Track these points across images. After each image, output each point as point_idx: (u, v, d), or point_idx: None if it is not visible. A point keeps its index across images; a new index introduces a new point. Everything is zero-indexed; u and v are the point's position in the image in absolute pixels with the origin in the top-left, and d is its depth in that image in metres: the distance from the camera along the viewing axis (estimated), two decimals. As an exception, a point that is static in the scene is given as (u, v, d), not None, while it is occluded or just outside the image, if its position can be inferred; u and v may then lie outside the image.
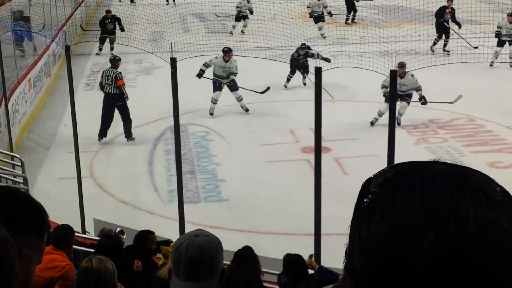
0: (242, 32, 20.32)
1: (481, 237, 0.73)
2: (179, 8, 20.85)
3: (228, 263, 4.87)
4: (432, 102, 12.19)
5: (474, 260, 0.73)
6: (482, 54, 15.40)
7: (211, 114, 12.91)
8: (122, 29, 18.27)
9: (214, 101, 12.90)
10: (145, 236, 6.02)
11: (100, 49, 18.55)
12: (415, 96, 12.06)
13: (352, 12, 22.27)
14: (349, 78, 13.50)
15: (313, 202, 6.31)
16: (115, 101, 11.44)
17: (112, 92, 11.44)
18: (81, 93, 13.81)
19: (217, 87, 12.93)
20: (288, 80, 14.51)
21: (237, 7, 20.27)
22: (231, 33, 20.37)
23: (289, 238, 8.09)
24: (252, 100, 13.74)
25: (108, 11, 18.80)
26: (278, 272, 5.61)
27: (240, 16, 20.19)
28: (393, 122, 5.53)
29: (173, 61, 6.42)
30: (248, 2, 20.15)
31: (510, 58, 16.31)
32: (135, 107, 12.16)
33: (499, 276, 0.74)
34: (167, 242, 5.93)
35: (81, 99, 11.80)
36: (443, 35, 17.73)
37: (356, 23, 22.00)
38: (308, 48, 14.15)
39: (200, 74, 13.02)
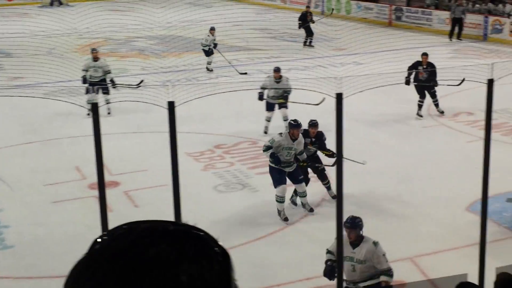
0: (208, 70, 18.65)
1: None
2: None
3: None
4: (297, 102, 12.75)
5: None
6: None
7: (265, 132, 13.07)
8: None
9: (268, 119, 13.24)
10: None
11: None
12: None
13: (309, 37, 22.04)
14: (133, 109, 13.40)
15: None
16: None
17: None
18: None
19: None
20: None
21: (203, 44, 18.58)
22: (208, 69, 18.64)
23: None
24: (32, 139, 13.10)
25: None
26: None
27: (209, 51, 18.64)
28: (175, 149, 5.51)
29: None
30: (213, 35, 18.56)
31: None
32: None
33: None
34: None
35: None
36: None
37: (313, 46, 21.83)
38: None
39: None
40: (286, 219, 9.39)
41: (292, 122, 9.67)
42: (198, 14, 23.50)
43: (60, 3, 34.95)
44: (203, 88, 8.84)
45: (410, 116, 14.29)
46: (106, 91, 13.33)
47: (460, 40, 23.10)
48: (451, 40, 23.17)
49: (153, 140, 12.54)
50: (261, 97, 13.05)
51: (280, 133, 9.75)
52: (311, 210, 9.67)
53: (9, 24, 24.65)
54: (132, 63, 16.40)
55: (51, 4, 34.77)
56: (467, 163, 10.95)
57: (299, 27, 22.12)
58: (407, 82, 13.32)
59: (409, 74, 13.35)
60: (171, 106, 5.38)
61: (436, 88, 13.74)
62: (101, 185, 5.41)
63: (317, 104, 12.00)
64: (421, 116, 13.80)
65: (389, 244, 8.36)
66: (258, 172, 11.34)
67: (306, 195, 9.70)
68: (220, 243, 0.88)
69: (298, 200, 9.83)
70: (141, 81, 13.03)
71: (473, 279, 6.15)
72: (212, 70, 18.55)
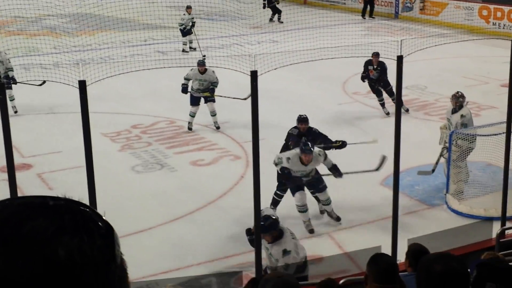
0: (191, 48, 18.43)
1: (56, 264, 0.76)
2: None
3: None
4: (222, 96, 12.36)
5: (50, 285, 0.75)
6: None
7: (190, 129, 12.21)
8: None
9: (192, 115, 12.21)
10: None
11: None
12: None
13: (277, 14, 22.90)
14: (45, 90, 13.00)
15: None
16: None
17: None
18: None
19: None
20: None
21: (180, 24, 18.18)
22: (184, 50, 18.32)
23: None
24: None
25: None
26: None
27: (185, 31, 18.18)
28: (87, 129, 5.39)
29: None
30: (189, 14, 18.11)
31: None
32: None
33: None
34: None
35: None
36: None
37: (282, 22, 22.48)
38: None
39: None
40: (311, 231, 8.39)
41: (303, 147, 8.08)
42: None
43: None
44: (116, 67, 8.66)
45: (322, 94, 14.53)
46: (9, 86, 12.46)
47: (373, 18, 23.63)
48: (364, 18, 23.68)
49: (67, 121, 12.23)
50: (184, 90, 12.11)
51: (288, 158, 8.21)
52: (338, 218, 8.62)
53: None
54: (43, 42, 15.83)
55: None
56: (379, 139, 11.23)
57: (264, 7, 22.77)
58: (363, 79, 13.30)
59: (364, 71, 13.24)
60: (82, 85, 5.26)
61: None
62: (10, 168, 5.24)
63: (244, 99, 11.55)
64: (387, 113, 12.88)
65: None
66: (176, 151, 11.27)
67: (330, 203, 8.57)
68: (105, 218, 0.86)
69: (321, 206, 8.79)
70: (44, 82, 12.20)
71: (387, 250, 6.36)
72: (188, 52, 18.32)
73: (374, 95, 13.29)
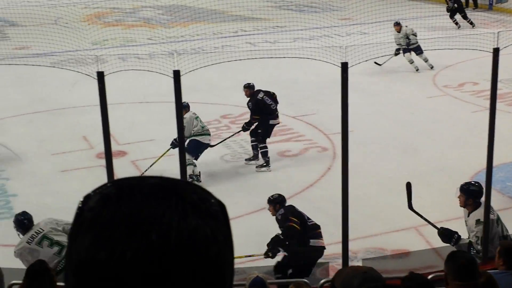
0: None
1: (183, 244, 0.76)
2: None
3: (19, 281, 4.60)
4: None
5: (178, 265, 0.75)
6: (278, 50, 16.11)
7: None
8: None
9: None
10: None
11: None
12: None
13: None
14: (140, 80, 13.43)
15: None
16: None
17: None
18: None
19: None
20: None
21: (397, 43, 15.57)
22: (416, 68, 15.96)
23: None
24: (40, 109, 13.17)
25: None
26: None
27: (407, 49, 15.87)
28: (180, 118, 5.56)
29: None
30: (398, 31, 15.55)
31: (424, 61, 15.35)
32: None
33: (205, 279, 0.77)
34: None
35: None
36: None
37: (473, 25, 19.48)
38: None
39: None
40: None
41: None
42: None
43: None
44: (209, 57, 8.85)
45: (415, 86, 14.29)
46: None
47: (466, 9, 22.86)
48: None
49: (159, 110, 12.58)
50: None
51: None
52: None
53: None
54: (139, 33, 16.37)
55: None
56: (472, 133, 10.97)
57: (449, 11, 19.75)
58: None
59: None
60: (176, 75, 5.43)
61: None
62: (108, 155, 5.48)
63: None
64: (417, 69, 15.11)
65: (394, 213, 8.47)
66: (264, 142, 11.38)
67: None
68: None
69: None
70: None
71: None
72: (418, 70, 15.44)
73: (464, 88, 12.99)
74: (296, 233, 6.79)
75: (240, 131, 10.81)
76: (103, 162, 10.35)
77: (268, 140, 10.65)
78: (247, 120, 10.71)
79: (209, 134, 10.26)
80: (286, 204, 7.21)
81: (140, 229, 0.75)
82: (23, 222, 6.86)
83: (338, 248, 6.40)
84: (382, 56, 8.08)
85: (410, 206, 6.63)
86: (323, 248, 6.89)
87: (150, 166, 9.90)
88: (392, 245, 7.70)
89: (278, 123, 10.67)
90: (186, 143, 8.72)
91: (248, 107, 10.59)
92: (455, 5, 19.44)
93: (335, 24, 19.22)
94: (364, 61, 6.93)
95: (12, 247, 7.87)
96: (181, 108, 5.62)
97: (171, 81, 5.69)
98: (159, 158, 9.99)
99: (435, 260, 7.17)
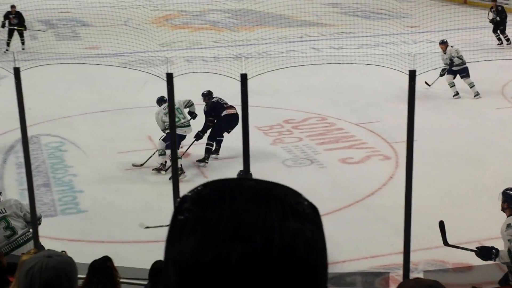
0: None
1: (286, 247, 0.77)
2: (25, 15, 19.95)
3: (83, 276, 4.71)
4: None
5: (280, 268, 0.76)
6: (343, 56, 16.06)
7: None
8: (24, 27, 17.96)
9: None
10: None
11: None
12: None
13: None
14: (206, 82, 13.58)
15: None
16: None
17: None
18: None
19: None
20: None
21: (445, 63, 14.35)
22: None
23: (152, 246, 7.98)
24: (106, 108, 13.49)
25: (13, 6, 18.44)
26: (143, 282, 5.52)
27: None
28: (246, 121, 5.60)
29: (17, 71, 6.14)
30: (444, 50, 14.39)
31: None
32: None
33: (304, 283, 0.78)
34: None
35: None
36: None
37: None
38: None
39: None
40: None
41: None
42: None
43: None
44: (274, 62, 8.90)
45: (483, 97, 13.98)
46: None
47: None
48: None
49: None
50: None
51: None
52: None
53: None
54: (205, 36, 16.55)
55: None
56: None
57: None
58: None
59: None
60: (243, 78, 5.48)
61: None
62: (173, 155, 5.57)
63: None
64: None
65: (456, 226, 8.30)
66: (326, 148, 11.36)
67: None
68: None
69: None
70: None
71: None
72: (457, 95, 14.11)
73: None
74: None
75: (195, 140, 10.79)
76: (168, 163, 10.57)
77: (330, 146, 10.54)
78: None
79: (187, 126, 10.54)
80: None
81: (244, 231, 0.76)
82: None
83: (398, 259, 6.32)
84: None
85: (446, 243, 6.48)
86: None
87: (179, 157, 9.52)
88: (453, 258, 7.55)
89: (233, 113, 10.49)
90: (165, 136, 10.10)
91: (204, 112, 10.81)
92: (497, 17, 18.72)
93: (403, 32, 19.00)
94: (432, 69, 6.83)
95: (79, 242, 8.08)
96: (247, 111, 5.67)
97: (234, 84, 5.75)
98: (186, 150, 10.68)
99: (498, 275, 7.00)
